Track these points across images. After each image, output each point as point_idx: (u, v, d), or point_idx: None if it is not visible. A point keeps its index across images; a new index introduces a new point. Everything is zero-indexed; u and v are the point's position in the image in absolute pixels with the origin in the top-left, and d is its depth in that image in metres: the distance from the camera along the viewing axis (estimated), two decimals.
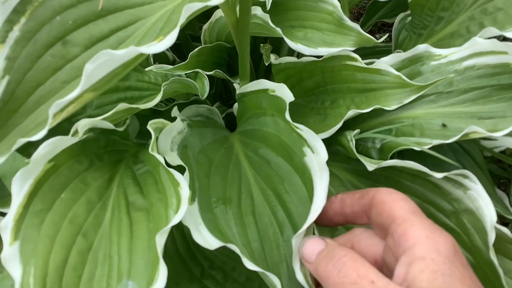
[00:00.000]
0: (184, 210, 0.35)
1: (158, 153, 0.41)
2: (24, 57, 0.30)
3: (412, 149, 0.46)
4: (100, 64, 0.27)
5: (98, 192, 0.39)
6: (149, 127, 0.41)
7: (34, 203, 0.35)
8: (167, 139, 0.42)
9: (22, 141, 0.28)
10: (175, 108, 0.46)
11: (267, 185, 0.42)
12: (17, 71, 0.30)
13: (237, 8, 0.49)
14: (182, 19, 0.29)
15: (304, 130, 0.40)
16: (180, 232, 0.48)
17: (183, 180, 0.37)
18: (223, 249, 0.46)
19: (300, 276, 0.35)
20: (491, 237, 0.40)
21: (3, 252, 0.33)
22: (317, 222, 0.38)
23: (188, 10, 0.29)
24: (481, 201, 0.41)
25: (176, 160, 0.39)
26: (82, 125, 0.39)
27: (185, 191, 0.36)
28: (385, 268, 0.34)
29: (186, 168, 0.38)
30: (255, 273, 0.46)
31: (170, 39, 0.28)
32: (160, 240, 0.33)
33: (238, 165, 0.45)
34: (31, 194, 0.35)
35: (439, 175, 0.42)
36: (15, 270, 0.33)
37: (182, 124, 0.44)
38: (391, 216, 0.33)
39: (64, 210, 0.37)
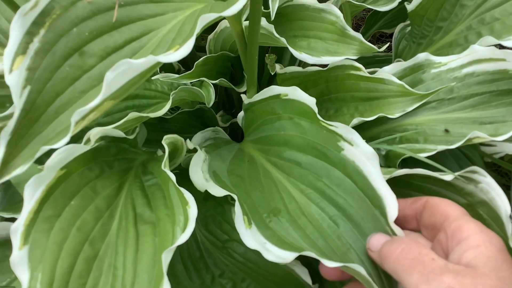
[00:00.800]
0: (192, 229, 0.35)
1: (172, 164, 0.41)
2: (43, 68, 0.31)
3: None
4: (120, 73, 0.28)
5: (107, 201, 0.40)
6: (163, 142, 0.42)
7: (44, 209, 0.36)
8: (197, 171, 0.43)
9: (45, 148, 0.29)
10: (188, 141, 0.47)
11: (305, 185, 0.42)
12: (38, 81, 0.30)
13: (243, 18, 0.50)
14: (198, 29, 0.30)
15: (338, 127, 0.41)
16: (193, 239, 0.48)
17: (191, 199, 0.37)
18: (235, 261, 0.47)
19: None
20: (508, 227, 0.40)
21: (12, 255, 0.33)
22: None
23: (204, 20, 0.29)
24: (493, 192, 0.42)
25: (220, 191, 0.40)
26: (94, 133, 0.39)
27: (193, 210, 0.36)
28: None
29: (236, 197, 0.38)
30: (263, 285, 0.47)
31: (186, 48, 0.29)
32: (166, 258, 0.33)
33: (268, 174, 0.45)
34: (43, 200, 0.36)
35: (448, 178, 0.43)
36: (23, 274, 0.33)
37: (203, 153, 0.45)
38: (444, 215, 0.35)
39: (73, 217, 0.37)
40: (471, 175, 0.43)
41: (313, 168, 0.43)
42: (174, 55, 0.30)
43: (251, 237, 0.37)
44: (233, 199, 0.38)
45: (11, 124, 0.29)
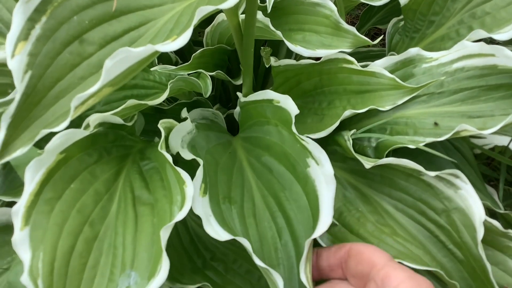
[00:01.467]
0: (189, 208, 0.37)
1: (168, 150, 0.43)
2: (44, 54, 0.32)
3: (406, 149, 0.48)
4: (118, 61, 0.29)
5: (106, 185, 0.41)
6: (159, 125, 0.43)
7: (45, 192, 0.37)
8: (177, 137, 0.44)
9: (45, 132, 0.30)
10: (184, 109, 0.48)
11: (268, 192, 0.45)
12: (39, 67, 0.32)
13: (239, 12, 0.51)
14: (195, 20, 0.31)
15: (309, 143, 0.43)
16: (183, 225, 0.50)
17: (188, 179, 0.39)
18: (224, 242, 0.48)
19: (303, 278, 0.37)
20: (480, 234, 0.42)
21: (14, 235, 0.34)
22: None
23: (201, 12, 0.31)
24: (471, 200, 0.44)
25: (189, 155, 0.41)
26: (93, 119, 0.41)
27: (190, 189, 0.38)
28: None
29: (201, 162, 0.40)
30: (254, 266, 0.48)
31: (184, 38, 0.31)
32: (165, 234, 0.35)
33: (242, 170, 0.47)
34: (43, 183, 0.37)
35: (432, 174, 0.44)
36: (24, 253, 0.34)
37: (191, 125, 0.46)
38: (371, 263, 0.36)
39: (73, 200, 0.39)
40: (453, 180, 0.44)
41: (281, 178, 0.45)
42: (172, 45, 0.31)
43: (201, 205, 0.39)
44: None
45: (12, 107, 0.30)
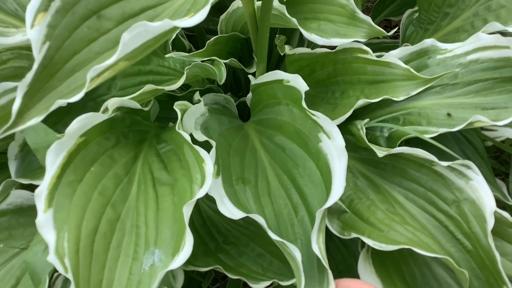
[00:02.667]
0: (209, 185, 0.37)
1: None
2: (63, 26, 0.32)
3: (418, 139, 0.48)
4: (136, 34, 0.29)
5: (125, 168, 0.42)
6: (175, 107, 0.43)
7: (66, 175, 0.38)
8: (191, 119, 0.45)
9: (60, 102, 0.30)
10: (197, 92, 0.49)
11: (282, 170, 0.45)
12: (57, 39, 0.32)
13: None
14: None
15: (320, 117, 0.43)
16: (196, 209, 0.50)
17: (207, 157, 0.39)
18: (236, 226, 0.49)
19: (315, 248, 0.37)
20: (490, 224, 0.43)
21: (38, 217, 0.35)
22: None
23: None
24: (482, 191, 0.44)
25: (202, 137, 0.42)
26: (112, 103, 0.41)
27: (209, 167, 0.38)
28: None
29: (214, 144, 0.40)
30: (267, 249, 0.49)
31: (201, 15, 0.31)
32: (187, 211, 0.35)
33: (254, 151, 0.47)
34: (64, 166, 0.38)
35: (444, 164, 0.45)
36: (49, 234, 0.35)
37: (204, 108, 0.47)
38: None
39: (94, 183, 0.39)
40: (465, 170, 0.45)
41: (293, 156, 0.45)
42: (190, 21, 0.31)
43: (214, 186, 0.40)
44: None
45: (28, 77, 0.31)
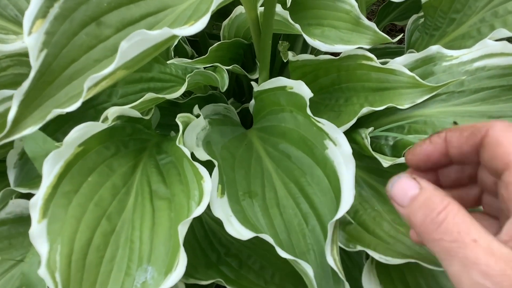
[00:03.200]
0: (207, 203, 0.36)
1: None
2: (61, 33, 0.31)
3: None
4: (134, 43, 0.29)
5: (123, 178, 0.41)
6: (177, 120, 0.43)
7: (63, 184, 0.37)
8: (192, 135, 0.44)
9: (57, 111, 0.29)
10: (196, 106, 0.48)
11: (289, 179, 0.44)
12: (55, 46, 0.31)
13: (258, 4, 0.51)
14: (213, 6, 0.30)
15: (325, 124, 0.42)
16: (198, 220, 0.50)
17: (206, 174, 0.38)
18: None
19: (330, 260, 0.36)
20: None
21: (32, 228, 0.34)
22: (419, 166, 0.34)
23: None
24: None
25: (204, 155, 0.41)
26: (112, 112, 0.40)
27: (207, 184, 0.37)
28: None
29: (216, 163, 0.40)
30: (269, 261, 0.48)
31: (201, 23, 0.30)
32: (182, 230, 0.34)
33: (259, 160, 0.46)
34: (61, 176, 0.37)
35: None
36: (42, 246, 0.34)
37: (204, 121, 0.46)
38: (506, 161, 0.27)
39: (91, 193, 0.38)
40: None
41: (300, 164, 0.44)
42: (189, 29, 0.30)
43: (219, 206, 0.39)
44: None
45: (25, 85, 0.30)
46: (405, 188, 0.29)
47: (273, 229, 0.40)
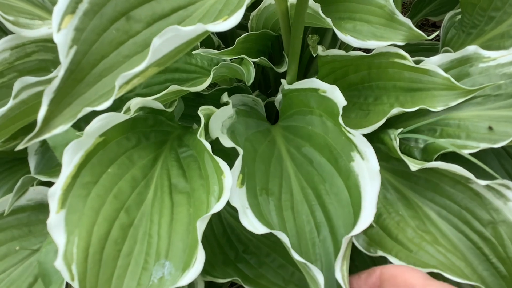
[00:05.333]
0: (226, 199, 0.36)
1: (207, 137, 0.42)
2: (91, 29, 0.30)
3: (454, 152, 0.45)
4: (167, 39, 0.28)
5: (143, 171, 0.40)
6: (199, 112, 0.42)
7: (82, 175, 0.37)
8: (217, 122, 0.43)
9: (87, 110, 0.29)
10: (225, 94, 0.47)
11: (308, 184, 0.43)
12: (84, 43, 0.30)
13: None
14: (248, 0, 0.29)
15: (355, 136, 0.40)
16: (217, 216, 0.49)
17: (227, 169, 0.37)
18: (257, 235, 0.47)
19: (339, 276, 0.35)
20: None
21: (50, 218, 0.34)
22: None
23: None
24: None
25: (229, 142, 0.40)
26: (135, 103, 0.39)
27: (228, 180, 0.36)
28: None
29: (241, 152, 0.39)
30: (288, 260, 0.47)
31: (235, 18, 0.29)
32: (201, 226, 0.34)
33: (280, 159, 0.45)
34: (81, 166, 0.37)
35: (483, 182, 0.42)
36: (59, 237, 0.34)
37: (232, 110, 0.45)
38: (408, 286, 0.33)
39: (110, 185, 0.38)
40: (504, 191, 0.42)
41: (321, 170, 0.43)
42: (223, 25, 0.29)
43: (237, 196, 0.38)
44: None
45: (55, 82, 0.29)
46: None
47: (285, 231, 0.40)
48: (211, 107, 0.44)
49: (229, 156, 0.40)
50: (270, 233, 0.36)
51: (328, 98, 0.45)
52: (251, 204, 0.38)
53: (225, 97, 0.47)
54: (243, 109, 0.51)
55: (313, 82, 0.47)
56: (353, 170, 0.40)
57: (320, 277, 0.34)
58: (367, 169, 0.39)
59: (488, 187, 0.43)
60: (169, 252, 0.36)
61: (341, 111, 0.43)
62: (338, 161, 0.42)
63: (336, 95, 0.44)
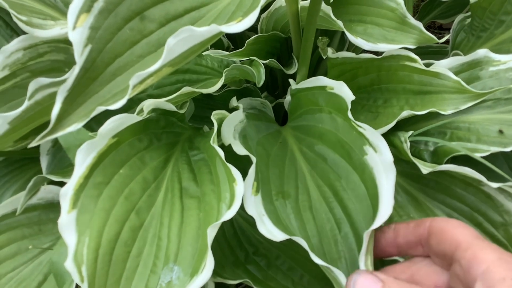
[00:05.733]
0: (238, 207, 0.35)
1: (220, 140, 0.42)
2: (105, 28, 0.30)
3: (464, 155, 0.45)
4: (181, 40, 0.28)
5: (154, 172, 0.40)
6: (212, 117, 0.42)
7: (94, 175, 0.36)
8: (230, 126, 0.43)
9: (101, 109, 0.29)
10: (234, 98, 0.47)
11: (323, 182, 0.42)
12: (99, 41, 0.30)
13: None
14: (262, 1, 0.29)
15: (366, 129, 0.40)
16: None
17: (239, 176, 0.37)
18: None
19: None
20: None
21: (61, 218, 0.34)
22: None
23: None
24: None
25: (242, 150, 0.40)
26: (148, 104, 0.40)
27: (240, 187, 0.36)
28: None
29: (254, 159, 0.38)
30: (298, 263, 0.47)
31: (250, 19, 0.29)
32: (211, 232, 0.33)
33: (294, 160, 0.45)
34: (93, 166, 0.36)
35: (494, 185, 0.42)
36: (70, 237, 0.33)
37: (242, 114, 0.45)
38: (454, 243, 0.31)
39: (121, 186, 0.38)
40: None
41: (336, 167, 0.43)
42: (237, 26, 0.29)
43: (253, 204, 0.37)
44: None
45: (69, 81, 0.29)
46: (367, 284, 0.32)
47: (305, 233, 0.39)
48: (223, 111, 0.44)
49: (241, 160, 0.40)
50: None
51: (336, 94, 0.45)
52: (267, 210, 0.38)
53: (234, 102, 0.47)
54: (252, 113, 0.50)
55: (320, 80, 0.47)
56: (367, 164, 0.40)
57: (342, 278, 0.33)
58: (381, 161, 0.38)
59: (499, 189, 0.43)
60: (178, 256, 0.36)
61: (349, 106, 0.42)
62: (351, 156, 0.42)
63: (343, 90, 0.44)
